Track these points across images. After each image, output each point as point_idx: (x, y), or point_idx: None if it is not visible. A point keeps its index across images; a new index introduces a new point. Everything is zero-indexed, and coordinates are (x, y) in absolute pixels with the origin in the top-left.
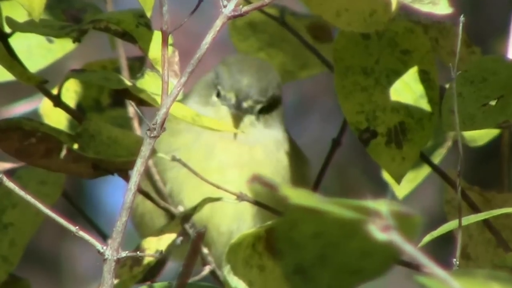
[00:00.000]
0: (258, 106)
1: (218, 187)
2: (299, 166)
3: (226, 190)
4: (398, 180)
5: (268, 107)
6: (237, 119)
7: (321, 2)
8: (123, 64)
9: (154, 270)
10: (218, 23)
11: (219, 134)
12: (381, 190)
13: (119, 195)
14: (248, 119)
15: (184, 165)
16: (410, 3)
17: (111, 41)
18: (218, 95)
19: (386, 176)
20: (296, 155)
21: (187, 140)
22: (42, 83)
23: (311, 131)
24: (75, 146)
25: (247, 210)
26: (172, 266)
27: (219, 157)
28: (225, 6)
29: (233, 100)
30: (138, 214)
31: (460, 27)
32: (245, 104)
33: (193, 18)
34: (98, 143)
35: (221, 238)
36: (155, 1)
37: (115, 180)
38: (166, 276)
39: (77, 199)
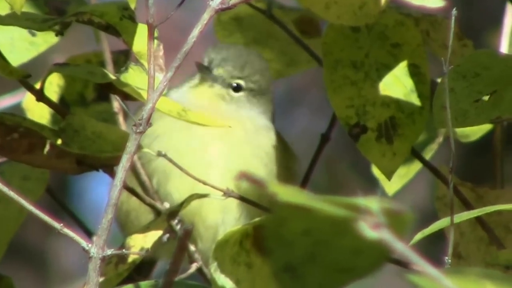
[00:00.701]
0: (233, 82)
1: (204, 183)
2: (286, 159)
3: (212, 186)
4: (389, 176)
5: (250, 91)
6: (203, 82)
7: None
8: (108, 57)
9: (143, 269)
10: (206, 16)
11: (198, 106)
12: (371, 186)
13: (104, 191)
14: (219, 90)
15: (170, 160)
16: None
17: (95, 34)
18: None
19: (376, 172)
20: (282, 148)
21: (168, 123)
22: (25, 77)
23: (299, 125)
24: (59, 141)
25: (233, 202)
26: (158, 264)
27: (200, 135)
28: None
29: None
30: (123, 212)
31: (452, 20)
32: (215, 72)
33: (179, 10)
34: (83, 138)
35: (207, 232)
36: None
37: (100, 175)
38: (153, 274)
39: (61, 195)
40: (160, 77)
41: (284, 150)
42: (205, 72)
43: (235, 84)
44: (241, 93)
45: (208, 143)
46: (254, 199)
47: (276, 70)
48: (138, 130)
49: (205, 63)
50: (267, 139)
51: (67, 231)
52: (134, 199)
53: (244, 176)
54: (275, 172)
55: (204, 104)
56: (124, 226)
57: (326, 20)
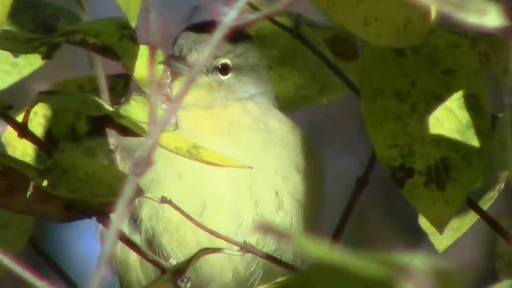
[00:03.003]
0: (216, 64)
1: (218, 236)
2: (305, 149)
3: (227, 240)
4: (440, 228)
5: (239, 70)
6: (179, 76)
7: (344, 8)
8: (103, 84)
9: None
10: (218, 35)
11: (186, 107)
12: (415, 240)
13: (95, 242)
14: (203, 79)
15: (176, 207)
16: (453, 12)
17: (89, 56)
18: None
19: (423, 223)
20: (299, 135)
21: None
22: (5, 108)
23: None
24: (44, 182)
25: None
26: None
27: (193, 132)
28: (226, 14)
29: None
30: (121, 268)
31: None
32: (190, 58)
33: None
34: (73, 179)
35: None
36: (140, 8)
37: (91, 223)
38: None
39: (44, 244)
40: (165, 109)
41: (301, 137)
42: (178, 63)
43: (219, 66)
44: (229, 74)
45: (204, 139)
46: (275, 252)
47: (305, 97)
48: (137, 171)
49: (176, 53)
50: (279, 123)
51: None
52: (133, 254)
53: (265, 228)
54: (295, 164)
55: (191, 103)
56: (122, 282)
57: (365, 40)
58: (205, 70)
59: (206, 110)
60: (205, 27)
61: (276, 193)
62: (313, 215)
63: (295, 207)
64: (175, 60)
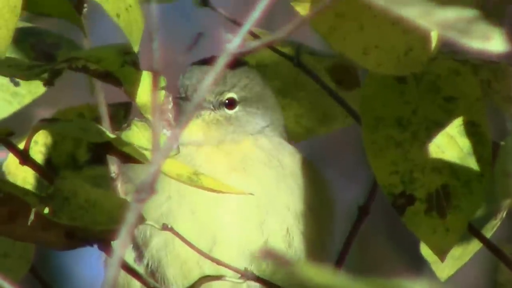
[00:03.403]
0: (222, 99)
1: (218, 263)
2: (317, 185)
3: (228, 267)
4: (441, 256)
5: (245, 102)
6: (180, 114)
7: (344, 36)
8: (104, 111)
9: None
10: (221, 62)
11: (197, 145)
12: (417, 269)
13: (97, 270)
14: (210, 116)
15: (177, 235)
16: (456, 38)
17: (89, 83)
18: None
19: (425, 251)
20: (309, 169)
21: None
22: (7, 135)
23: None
24: (46, 210)
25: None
26: None
27: (207, 170)
28: (229, 41)
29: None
30: None
31: None
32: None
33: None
34: (74, 207)
35: None
36: (143, 34)
37: (93, 251)
38: None
39: (45, 272)
40: (168, 135)
41: (313, 173)
42: (184, 103)
43: (226, 101)
44: (237, 108)
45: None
46: (278, 280)
47: (306, 127)
48: (140, 198)
49: (182, 94)
50: (290, 156)
51: None
52: (135, 282)
53: (267, 254)
54: (307, 201)
55: (201, 139)
56: None
57: (366, 69)
58: (212, 107)
59: (218, 147)
60: (210, 64)
61: (287, 231)
62: (322, 252)
63: (305, 245)
64: (182, 101)
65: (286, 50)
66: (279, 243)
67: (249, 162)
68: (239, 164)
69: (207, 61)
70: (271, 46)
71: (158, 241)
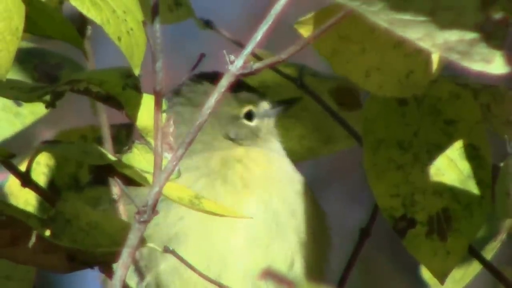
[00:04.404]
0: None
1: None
2: (318, 213)
3: None
4: (442, 279)
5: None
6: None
7: (347, 59)
8: (106, 133)
9: None
10: (224, 83)
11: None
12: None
13: None
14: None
15: (180, 259)
16: (458, 60)
17: (92, 105)
18: (249, 116)
19: (425, 274)
20: (312, 195)
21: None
22: (8, 157)
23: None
24: (47, 232)
25: None
26: None
27: (223, 176)
28: (232, 62)
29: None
30: None
31: None
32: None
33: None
34: (75, 229)
35: None
36: (145, 56)
37: (94, 273)
38: None
39: None
40: (169, 157)
41: (314, 200)
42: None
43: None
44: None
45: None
46: None
47: (308, 148)
48: (141, 219)
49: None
50: (298, 177)
51: None
52: None
53: (269, 275)
54: (310, 227)
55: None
56: None
57: (368, 91)
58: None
59: (236, 156)
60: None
61: (291, 256)
62: (320, 278)
63: (306, 270)
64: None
65: (289, 71)
66: (281, 267)
67: (268, 179)
68: (256, 179)
69: (209, 75)
70: (274, 68)
71: (167, 265)
